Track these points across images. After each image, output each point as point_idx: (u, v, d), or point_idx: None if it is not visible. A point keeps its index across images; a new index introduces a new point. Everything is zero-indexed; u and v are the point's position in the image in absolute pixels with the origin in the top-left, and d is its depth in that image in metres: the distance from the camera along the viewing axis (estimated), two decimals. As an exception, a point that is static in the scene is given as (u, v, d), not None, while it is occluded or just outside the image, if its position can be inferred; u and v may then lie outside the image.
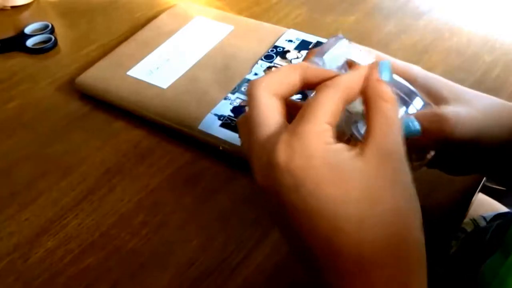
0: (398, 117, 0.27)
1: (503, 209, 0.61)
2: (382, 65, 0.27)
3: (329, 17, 0.65)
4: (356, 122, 0.34)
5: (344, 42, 0.34)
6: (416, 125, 0.30)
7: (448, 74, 0.56)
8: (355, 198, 0.24)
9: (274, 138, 0.26)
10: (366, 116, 0.27)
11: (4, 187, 0.45)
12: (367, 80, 0.27)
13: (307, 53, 0.35)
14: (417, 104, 0.33)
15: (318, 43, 0.56)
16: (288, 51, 0.55)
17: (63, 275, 0.38)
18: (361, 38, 0.61)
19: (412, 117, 0.30)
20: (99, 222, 0.42)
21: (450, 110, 0.32)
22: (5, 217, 0.43)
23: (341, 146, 0.25)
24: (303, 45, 0.56)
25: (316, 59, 0.33)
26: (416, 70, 0.36)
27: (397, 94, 0.32)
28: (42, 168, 0.47)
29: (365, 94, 0.27)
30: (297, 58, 0.54)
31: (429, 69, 0.56)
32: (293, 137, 0.25)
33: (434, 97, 0.34)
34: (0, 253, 0.40)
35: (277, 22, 0.61)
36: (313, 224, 0.24)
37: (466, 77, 0.55)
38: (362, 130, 0.34)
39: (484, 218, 0.56)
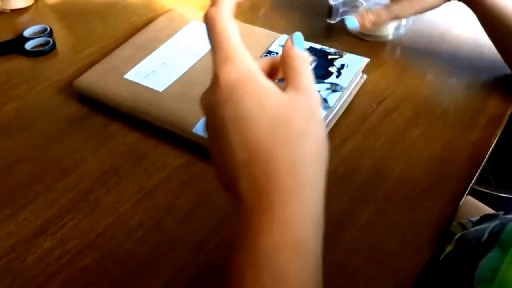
0: (309, 71, 0.32)
1: (489, 211, 0.62)
2: (295, 37, 0.33)
3: (322, 22, 0.66)
4: None
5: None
6: (355, 22, 0.40)
7: (439, 78, 0.57)
8: (270, 112, 0.29)
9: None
10: (283, 73, 0.32)
11: (3, 188, 0.46)
12: (284, 49, 0.33)
13: None
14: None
15: (311, 49, 0.57)
16: (282, 56, 0.56)
17: (60, 275, 0.39)
18: (354, 42, 0.62)
19: (352, 16, 0.38)
20: (96, 223, 0.43)
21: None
22: (3, 217, 0.44)
23: (270, 81, 0.31)
24: (296, 50, 0.57)
25: None
26: None
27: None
28: (40, 170, 0.48)
29: (281, 59, 0.33)
30: (291, 63, 0.55)
31: (420, 73, 0.58)
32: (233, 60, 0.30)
33: None
34: (-1, 253, 0.41)
35: (270, 28, 0.62)
36: (236, 128, 0.29)
37: (456, 81, 0.57)
38: None
39: (471, 222, 0.57)
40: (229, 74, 0.29)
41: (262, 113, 0.29)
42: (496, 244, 0.40)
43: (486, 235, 0.45)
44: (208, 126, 0.31)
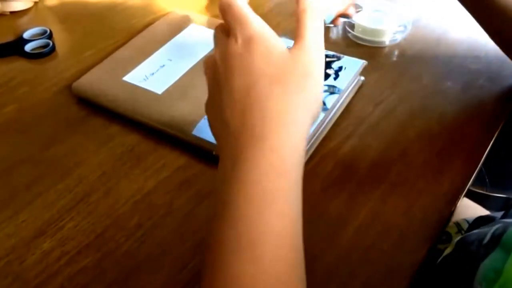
0: (318, 26, 0.35)
1: (484, 212, 0.62)
2: None
3: (321, 24, 0.66)
4: None
5: None
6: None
7: (435, 81, 0.57)
8: (272, 68, 0.33)
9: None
10: (295, 29, 0.35)
11: (2, 190, 0.46)
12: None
13: None
14: None
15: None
16: (280, 58, 0.57)
17: (59, 276, 0.40)
18: (351, 45, 0.63)
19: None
20: (95, 224, 0.43)
21: None
22: (3, 218, 0.44)
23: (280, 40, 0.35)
24: (295, 53, 0.57)
25: None
26: None
27: None
28: (40, 171, 0.48)
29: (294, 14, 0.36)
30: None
31: (417, 76, 0.58)
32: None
33: None
34: (-2, 254, 0.41)
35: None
36: (241, 75, 0.33)
37: (452, 84, 0.57)
38: None
39: (467, 222, 0.57)
40: (245, 31, 0.34)
41: (266, 68, 0.33)
42: (497, 246, 0.40)
43: (488, 237, 0.45)
44: (213, 79, 0.36)
